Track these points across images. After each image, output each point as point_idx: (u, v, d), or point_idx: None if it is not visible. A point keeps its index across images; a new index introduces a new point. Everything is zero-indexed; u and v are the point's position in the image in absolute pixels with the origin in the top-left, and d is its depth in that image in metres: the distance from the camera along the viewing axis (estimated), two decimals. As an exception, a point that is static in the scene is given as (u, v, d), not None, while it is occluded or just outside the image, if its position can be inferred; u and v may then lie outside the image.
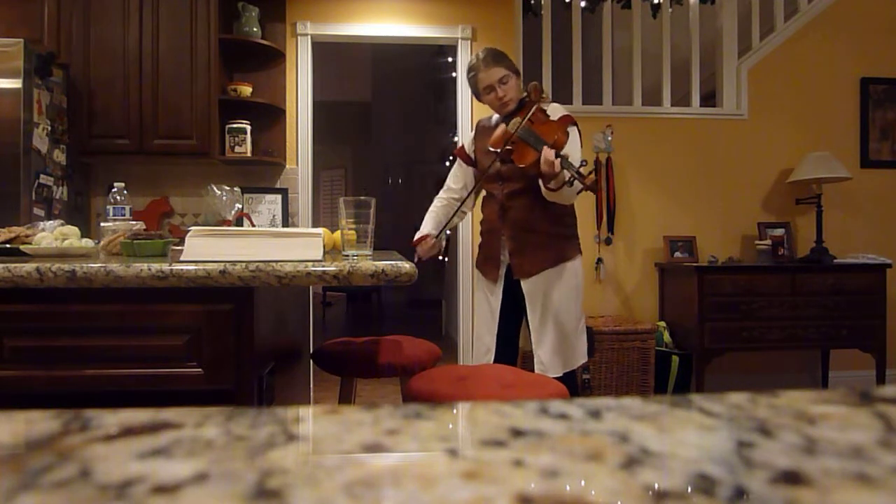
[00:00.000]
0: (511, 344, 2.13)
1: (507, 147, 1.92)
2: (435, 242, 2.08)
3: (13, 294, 1.00)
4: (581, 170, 1.76)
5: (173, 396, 1.03)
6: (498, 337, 2.11)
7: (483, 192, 2.17)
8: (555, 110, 2.02)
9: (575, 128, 2.00)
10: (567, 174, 1.77)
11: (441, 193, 2.23)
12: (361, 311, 7.64)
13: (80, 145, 2.96)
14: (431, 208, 2.20)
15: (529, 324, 2.04)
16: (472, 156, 2.18)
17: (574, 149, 1.92)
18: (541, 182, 1.90)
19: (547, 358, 2.00)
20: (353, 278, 1.00)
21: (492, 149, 1.97)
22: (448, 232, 2.27)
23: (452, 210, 2.15)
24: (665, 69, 3.56)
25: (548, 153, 1.77)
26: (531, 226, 2.01)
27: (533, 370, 2.00)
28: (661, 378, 3.11)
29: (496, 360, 2.11)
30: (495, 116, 2.14)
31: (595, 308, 3.47)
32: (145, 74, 2.99)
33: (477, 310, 2.21)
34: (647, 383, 3.03)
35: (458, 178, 2.21)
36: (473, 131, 2.23)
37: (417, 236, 2.11)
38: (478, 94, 2.10)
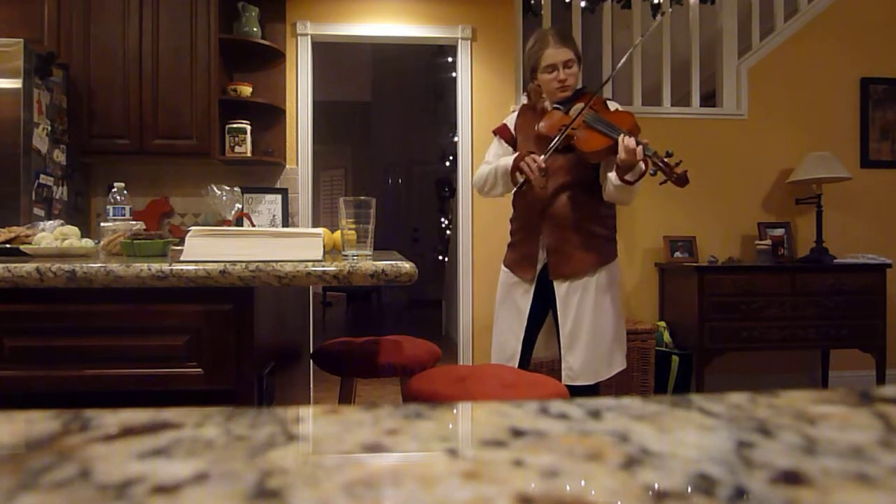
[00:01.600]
0: (530, 347, 2.02)
1: (570, 132, 1.76)
2: (538, 158, 1.80)
3: (13, 294, 1.00)
4: (667, 159, 1.61)
5: (173, 396, 1.03)
6: (523, 343, 2.00)
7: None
8: (614, 106, 1.92)
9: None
10: (648, 164, 1.64)
11: (485, 164, 2.05)
12: (361, 311, 7.65)
13: (80, 145, 2.96)
14: (485, 166, 2.03)
15: (560, 328, 1.91)
16: (514, 136, 2.02)
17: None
18: (611, 175, 1.75)
19: (578, 365, 1.87)
20: (353, 278, 1.00)
21: (547, 133, 1.80)
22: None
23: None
24: (665, 69, 3.56)
25: (628, 140, 1.63)
26: (574, 224, 1.88)
27: (560, 378, 1.92)
28: (661, 378, 3.11)
29: (524, 367, 1.99)
30: (543, 102, 1.96)
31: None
32: (145, 74, 2.99)
33: (501, 312, 2.04)
34: (647, 383, 3.03)
35: (498, 156, 2.02)
36: (516, 113, 2.07)
37: (512, 159, 1.87)
38: (535, 69, 1.93)
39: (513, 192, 1.98)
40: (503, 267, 2.08)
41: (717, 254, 3.47)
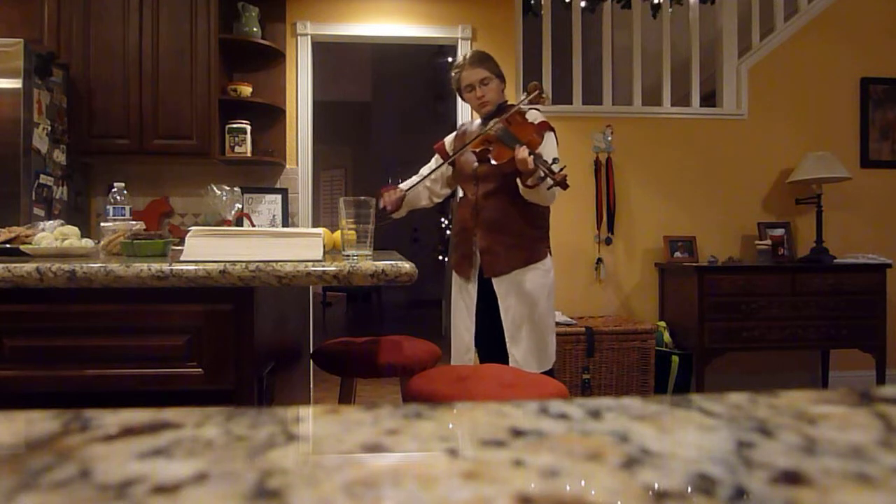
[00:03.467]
0: (498, 343, 2.13)
1: (486, 147, 1.98)
2: (400, 195, 2.13)
3: (13, 294, 1.00)
4: (552, 167, 1.82)
5: (173, 396, 1.03)
6: (484, 338, 2.14)
7: (459, 194, 2.24)
8: (534, 116, 2.08)
9: (552, 133, 2.07)
10: (540, 171, 1.82)
11: (416, 176, 2.29)
12: (361, 311, 7.64)
13: (80, 145, 2.96)
14: (410, 179, 2.27)
15: (503, 323, 2.07)
16: (451, 153, 2.23)
17: (549, 150, 1.99)
18: (519, 181, 1.95)
19: (521, 356, 2.03)
20: (353, 278, 1.00)
21: (470, 148, 2.03)
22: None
23: (423, 188, 2.25)
24: (665, 69, 3.56)
25: (521, 151, 1.83)
26: (503, 226, 2.06)
27: None
28: (661, 378, 3.11)
29: (488, 362, 2.11)
30: (478, 121, 2.20)
31: (595, 308, 3.47)
32: (145, 74, 2.99)
33: (454, 310, 2.23)
34: (647, 383, 3.02)
35: (430, 168, 2.27)
36: (455, 131, 2.31)
37: (386, 187, 2.17)
38: (460, 91, 2.16)
39: (458, 198, 2.25)
40: (452, 269, 2.28)
41: (717, 254, 3.47)
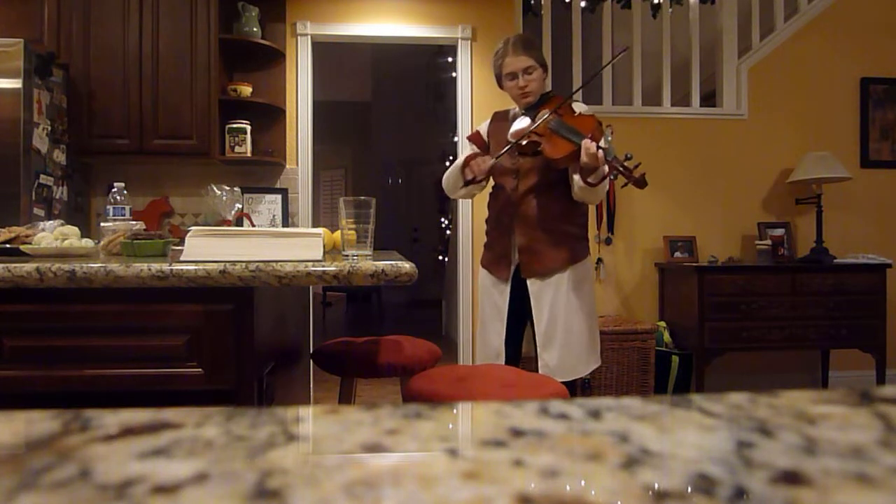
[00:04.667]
0: (515, 346, 2.07)
1: (536, 140, 1.83)
2: (490, 163, 1.92)
3: (13, 294, 1.00)
4: (626, 163, 1.68)
5: (173, 396, 1.03)
6: (508, 341, 2.04)
7: (491, 187, 2.10)
8: (581, 108, 1.95)
9: (606, 128, 1.94)
10: (610, 167, 1.69)
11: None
12: (361, 311, 7.65)
13: (80, 145, 2.96)
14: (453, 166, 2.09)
15: (535, 326, 1.96)
16: (487, 142, 2.10)
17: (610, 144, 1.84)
18: (576, 177, 1.81)
19: (554, 363, 1.92)
20: (353, 278, 1.00)
21: (516, 140, 1.87)
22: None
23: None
24: (665, 69, 3.56)
25: (589, 145, 1.68)
26: (544, 224, 1.93)
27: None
28: (661, 378, 3.11)
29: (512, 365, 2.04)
30: (514, 109, 2.06)
31: (595, 308, 3.47)
32: (145, 74, 2.99)
33: (483, 312, 2.10)
34: (647, 383, 3.02)
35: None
36: (490, 120, 2.15)
37: (464, 158, 1.99)
38: (500, 78, 2.02)
39: (488, 193, 2.09)
40: (481, 267, 2.13)
41: (717, 254, 3.47)
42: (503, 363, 2.01)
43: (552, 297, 1.94)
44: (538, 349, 1.95)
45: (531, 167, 1.92)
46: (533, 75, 1.94)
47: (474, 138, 2.14)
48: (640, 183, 1.67)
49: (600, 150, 1.68)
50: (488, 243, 2.10)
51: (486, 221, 2.13)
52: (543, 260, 1.93)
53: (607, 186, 1.75)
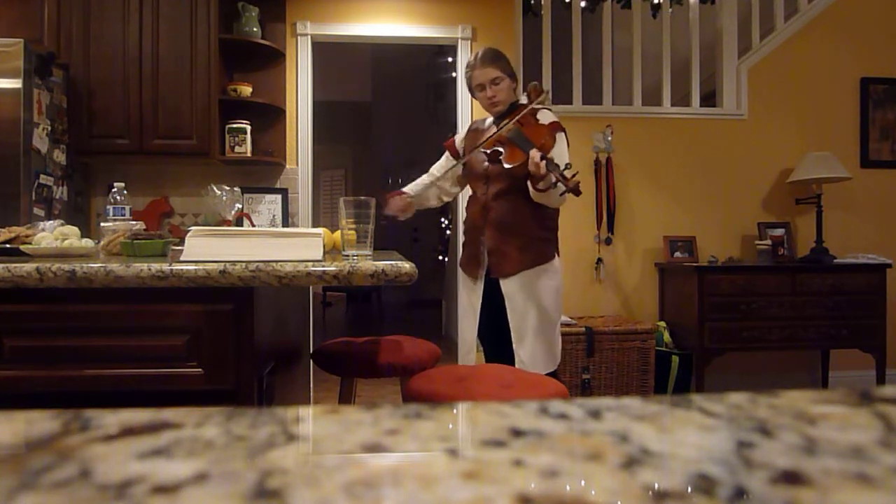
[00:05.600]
0: (498, 345, 2.13)
1: (497, 148, 1.96)
2: (407, 202, 2.12)
3: (13, 294, 1.00)
4: (565, 172, 1.81)
5: (173, 396, 1.03)
6: (491, 337, 2.14)
7: (469, 192, 2.23)
8: (545, 116, 2.06)
9: (563, 134, 2.05)
10: (552, 176, 1.81)
11: (425, 176, 2.29)
12: (361, 311, 7.64)
13: (80, 145, 2.96)
14: (416, 181, 2.26)
15: (510, 323, 2.06)
16: (461, 152, 2.22)
17: (560, 153, 1.97)
18: (529, 183, 1.94)
19: (528, 358, 2.03)
20: (353, 278, 1.00)
21: (482, 149, 2.01)
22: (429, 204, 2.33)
23: (433, 188, 2.24)
24: (665, 69, 3.56)
25: (534, 155, 1.81)
26: (512, 227, 2.04)
27: None
28: (661, 378, 3.11)
29: (494, 362, 2.12)
30: (489, 119, 2.19)
31: (595, 308, 3.47)
32: (145, 74, 2.99)
33: (459, 309, 2.23)
34: (647, 383, 3.02)
35: (441, 167, 2.27)
36: (465, 129, 2.29)
37: (392, 192, 2.16)
38: (471, 90, 2.14)
39: (467, 197, 2.24)
40: (458, 267, 2.27)
41: (717, 254, 3.47)
42: (474, 358, 2.16)
43: (522, 296, 2.04)
44: (514, 345, 2.06)
45: (499, 173, 2.03)
46: (500, 85, 2.05)
47: (449, 146, 2.29)
48: (575, 191, 1.80)
49: (544, 161, 1.80)
50: (464, 244, 2.23)
51: (464, 223, 2.26)
52: (510, 261, 2.04)
53: (562, 191, 1.85)
